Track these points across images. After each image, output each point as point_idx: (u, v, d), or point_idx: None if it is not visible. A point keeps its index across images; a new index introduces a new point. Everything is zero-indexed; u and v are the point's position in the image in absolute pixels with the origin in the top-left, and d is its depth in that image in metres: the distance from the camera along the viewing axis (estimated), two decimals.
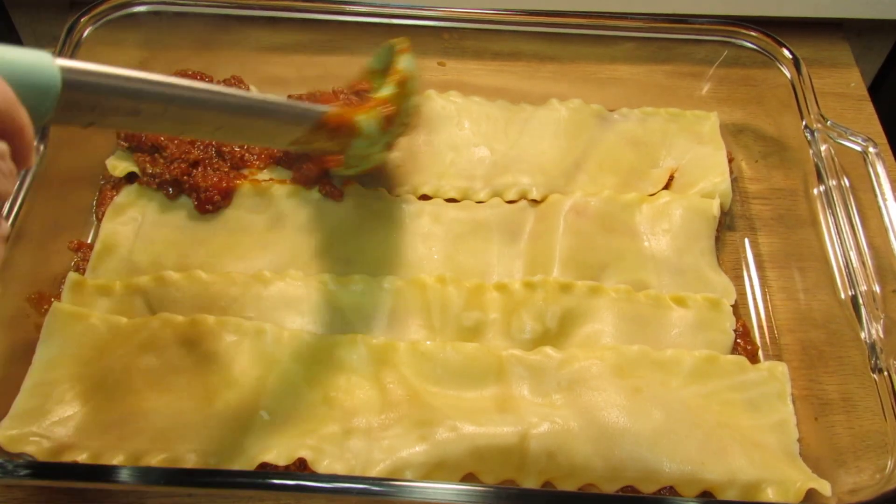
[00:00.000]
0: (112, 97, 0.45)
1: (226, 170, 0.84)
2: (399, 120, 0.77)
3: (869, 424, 0.66)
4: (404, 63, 0.77)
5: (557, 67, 0.93)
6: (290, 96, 0.90)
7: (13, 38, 1.07)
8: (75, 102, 0.42)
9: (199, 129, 0.58)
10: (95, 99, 0.44)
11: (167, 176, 0.82)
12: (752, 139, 0.92)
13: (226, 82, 0.91)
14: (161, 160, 0.83)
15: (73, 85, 0.41)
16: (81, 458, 0.64)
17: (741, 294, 0.81)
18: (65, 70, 0.40)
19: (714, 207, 0.83)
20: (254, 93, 0.61)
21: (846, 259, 0.72)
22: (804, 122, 0.82)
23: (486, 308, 0.75)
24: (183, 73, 0.90)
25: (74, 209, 0.83)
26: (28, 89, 0.38)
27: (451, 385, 0.70)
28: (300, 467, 0.64)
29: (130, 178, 0.85)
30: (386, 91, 0.74)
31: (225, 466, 0.64)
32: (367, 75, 0.84)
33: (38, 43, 1.08)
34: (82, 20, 0.84)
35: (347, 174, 0.82)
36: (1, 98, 0.36)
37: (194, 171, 0.82)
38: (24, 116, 0.37)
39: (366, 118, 0.72)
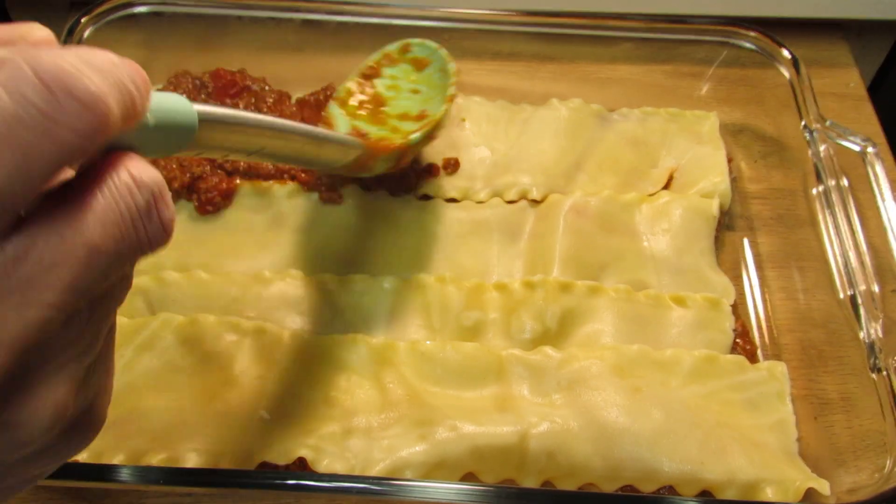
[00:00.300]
0: (239, 141, 0.48)
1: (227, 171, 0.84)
2: (421, 144, 0.77)
3: (868, 424, 0.66)
4: (453, 89, 0.78)
5: (557, 67, 0.93)
6: (298, 99, 0.90)
7: None
8: (205, 144, 0.43)
9: (289, 160, 0.65)
10: (224, 141, 0.46)
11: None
12: (752, 139, 0.92)
13: (234, 76, 0.91)
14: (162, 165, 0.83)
15: (207, 129, 0.42)
16: (81, 457, 0.64)
17: (740, 294, 0.81)
18: (201, 115, 0.41)
19: (713, 207, 0.83)
20: (325, 131, 0.65)
21: (845, 259, 0.72)
22: (803, 122, 0.82)
23: (485, 308, 0.75)
24: (217, 74, 0.91)
25: None
26: (165, 132, 0.38)
27: (450, 385, 0.70)
28: (300, 467, 0.64)
29: None
30: (416, 139, 0.74)
31: (225, 466, 0.64)
32: (383, 58, 0.84)
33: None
34: (83, 20, 0.84)
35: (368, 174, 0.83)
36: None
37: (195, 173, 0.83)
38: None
39: (384, 158, 0.72)
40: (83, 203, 0.28)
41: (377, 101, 0.82)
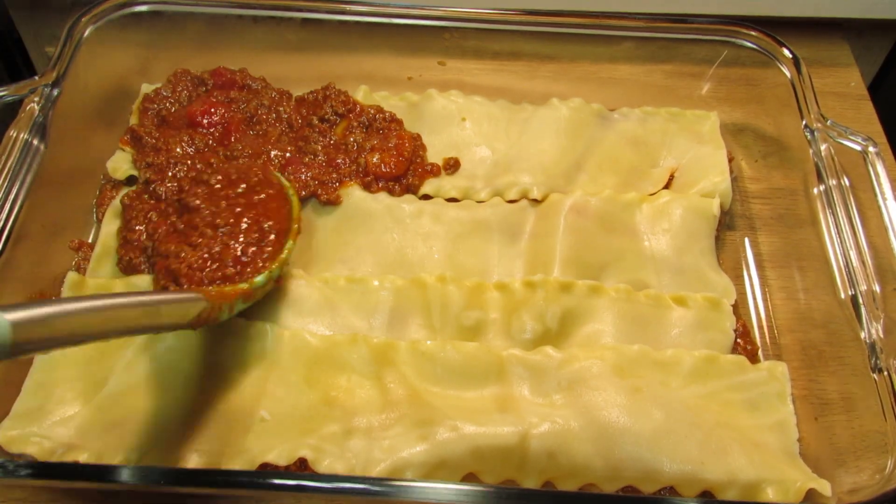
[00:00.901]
0: (68, 334, 0.49)
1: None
2: (253, 301, 0.72)
3: (869, 424, 0.66)
4: (289, 254, 0.73)
5: (557, 67, 0.93)
6: (297, 98, 0.90)
7: (14, 38, 1.07)
8: (27, 349, 0.44)
9: (132, 334, 0.61)
10: (48, 340, 0.47)
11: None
12: (752, 139, 0.92)
13: (234, 75, 0.91)
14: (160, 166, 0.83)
15: (23, 332, 0.43)
16: (82, 458, 0.64)
17: (741, 294, 0.81)
18: (13, 322, 0.42)
19: (714, 207, 0.83)
20: (158, 295, 0.63)
21: (846, 259, 0.72)
22: (804, 122, 0.82)
23: (486, 307, 0.75)
24: (217, 72, 0.91)
25: (75, 209, 0.83)
26: None
27: (451, 385, 0.70)
28: (301, 467, 0.64)
29: (130, 180, 0.85)
30: (260, 282, 0.69)
31: (226, 466, 0.64)
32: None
33: (39, 42, 1.08)
34: (83, 20, 0.84)
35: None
36: None
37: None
38: None
39: (227, 308, 0.67)
40: None
41: None
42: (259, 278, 0.69)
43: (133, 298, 0.57)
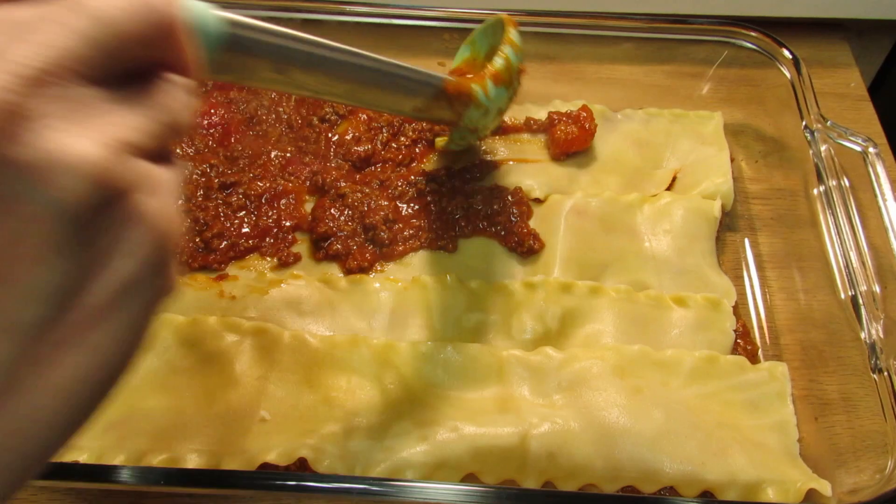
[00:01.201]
0: (265, 56, 0.47)
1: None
2: (510, 90, 0.77)
3: (869, 424, 0.66)
4: (514, 34, 0.77)
5: (557, 67, 0.93)
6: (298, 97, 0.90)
7: None
8: (228, 59, 0.42)
9: (335, 93, 0.60)
10: (247, 58, 0.45)
11: None
12: (753, 139, 0.92)
13: None
14: None
15: (231, 39, 0.41)
16: (82, 458, 0.64)
17: (741, 294, 0.81)
18: (224, 22, 0.40)
19: (715, 208, 0.83)
20: (384, 58, 0.61)
21: (846, 259, 0.72)
22: (804, 122, 0.82)
23: (487, 308, 0.75)
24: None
25: None
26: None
27: (451, 385, 0.70)
28: (301, 467, 0.64)
29: None
30: (499, 63, 0.75)
31: (225, 466, 0.64)
32: (467, 62, 0.84)
33: None
34: None
35: (458, 148, 0.84)
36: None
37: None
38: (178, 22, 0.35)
39: (480, 87, 0.73)
40: None
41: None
42: (497, 59, 0.74)
43: (367, 54, 0.57)
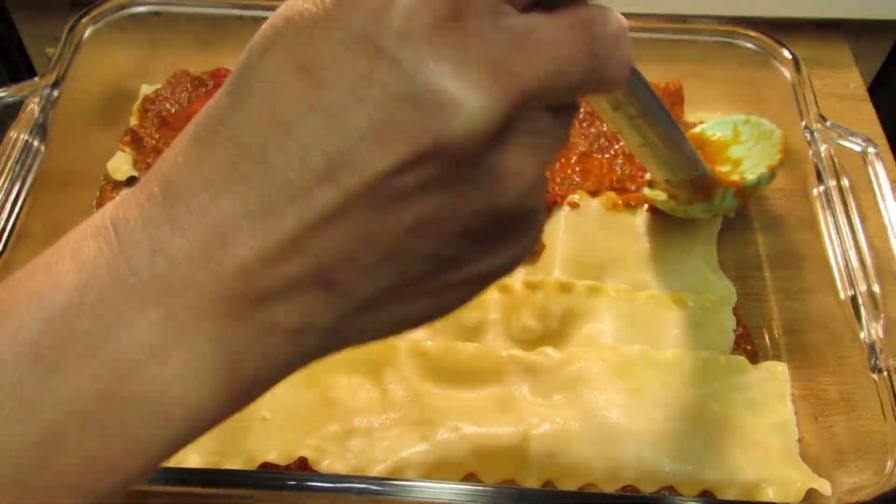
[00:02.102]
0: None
1: None
2: (740, 204, 0.78)
3: (869, 424, 0.66)
4: (777, 159, 0.77)
5: None
6: None
7: (14, 39, 1.07)
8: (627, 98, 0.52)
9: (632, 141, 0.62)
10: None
11: None
12: None
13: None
14: None
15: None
16: None
17: (741, 294, 0.81)
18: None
19: None
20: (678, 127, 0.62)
21: (846, 259, 0.72)
22: (804, 123, 0.82)
23: (486, 308, 0.75)
24: (217, 73, 0.91)
25: (75, 210, 0.83)
26: None
27: (451, 385, 0.70)
28: (301, 467, 0.64)
29: (131, 181, 0.85)
30: (751, 179, 0.75)
31: (226, 466, 0.64)
32: (707, 137, 0.83)
33: (39, 43, 1.08)
34: (83, 20, 0.84)
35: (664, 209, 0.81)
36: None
37: None
38: None
39: (722, 192, 0.73)
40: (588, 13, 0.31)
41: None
42: (751, 177, 0.74)
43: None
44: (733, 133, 0.83)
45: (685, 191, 0.72)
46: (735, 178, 0.75)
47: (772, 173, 0.76)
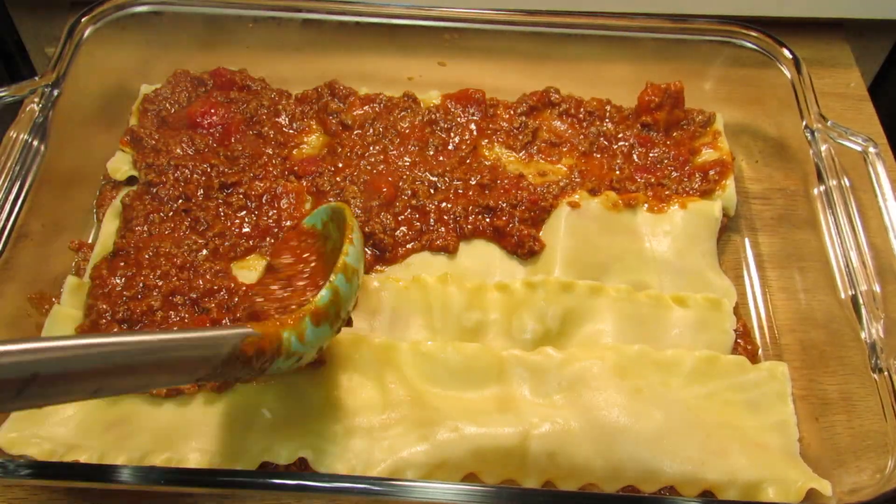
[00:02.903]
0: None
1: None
2: (337, 322, 0.63)
3: (869, 424, 0.66)
4: (351, 258, 0.64)
5: (557, 67, 0.93)
6: (298, 96, 0.90)
7: (14, 38, 1.07)
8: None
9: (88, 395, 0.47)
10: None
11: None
12: (752, 139, 0.92)
13: (233, 76, 0.91)
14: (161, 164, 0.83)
15: None
16: (82, 458, 0.64)
17: (742, 294, 0.81)
18: None
19: (716, 210, 0.83)
20: (147, 338, 0.49)
21: (846, 259, 0.72)
22: (804, 122, 0.82)
23: (487, 308, 0.75)
24: (217, 73, 0.90)
25: (75, 209, 0.83)
26: None
27: (452, 385, 0.70)
28: (301, 467, 0.64)
29: (130, 181, 0.85)
30: (324, 297, 0.61)
31: (226, 466, 0.64)
32: (302, 233, 0.72)
33: (39, 42, 1.08)
34: (83, 20, 0.84)
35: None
36: None
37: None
38: None
39: (294, 333, 0.58)
40: None
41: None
42: (322, 293, 0.61)
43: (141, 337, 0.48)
44: (319, 229, 0.70)
45: (235, 372, 0.55)
46: (305, 307, 0.60)
47: (344, 274, 0.62)
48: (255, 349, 0.54)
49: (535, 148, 0.88)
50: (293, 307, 0.61)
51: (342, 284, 0.62)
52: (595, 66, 0.93)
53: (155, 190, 0.81)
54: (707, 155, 0.88)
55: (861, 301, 0.69)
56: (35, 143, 0.75)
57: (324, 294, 0.61)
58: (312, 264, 0.67)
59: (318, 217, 0.71)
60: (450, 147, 0.87)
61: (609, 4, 0.95)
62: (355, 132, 0.88)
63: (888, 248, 0.72)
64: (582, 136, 0.89)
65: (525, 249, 0.79)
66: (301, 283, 0.65)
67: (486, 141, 0.88)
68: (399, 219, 0.81)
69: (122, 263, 0.75)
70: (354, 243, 0.64)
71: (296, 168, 0.85)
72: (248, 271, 0.77)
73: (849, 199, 0.75)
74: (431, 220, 0.81)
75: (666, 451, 0.65)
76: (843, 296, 0.71)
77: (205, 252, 0.77)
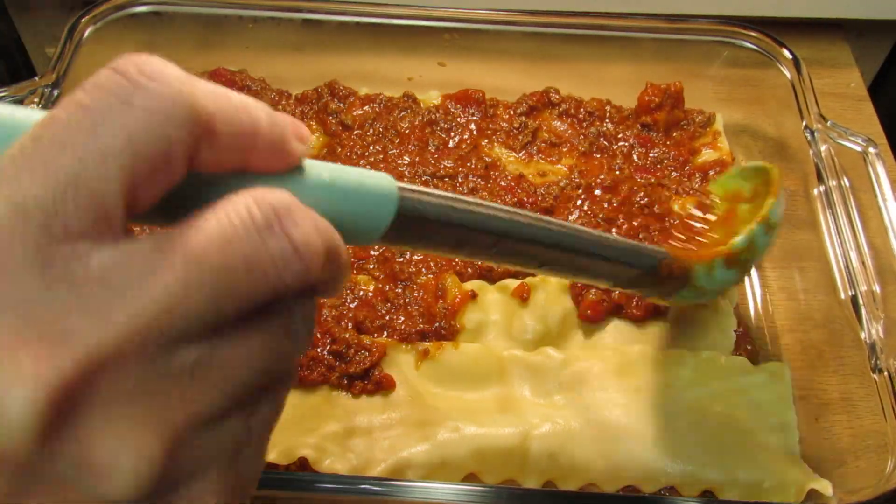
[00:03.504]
0: (444, 228, 0.40)
1: None
2: (743, 270, 0.66)
3: (869, 424, 0.66)
4: (775, 212, 0.66)
5: (557, 67, 0.93)
6: (298, 96, 0.90)
7: (13, 38, 1.07)
8: (402, 231, 0.37)
9: (527, 263, 0.50)
10: (425, 229, 0.39)
11: None
12: (753, 139, 0.92)
13: (233, 76, 0.91)
14: None
15: (407, 212, 0.36)
16: None
17: (742, 294, 0.81)
18: (402, 195, 0.36)
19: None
20: (588, 230, 0.51)
21: (846, 259, 0.72)
22: (804, 123, 0.82)
23: (487, 308, 0.75)
24: (217, 73, 0.90)
25: None
26: (360, 217, 0.34)
27: (452, 385, 0.70)
28: (301, 467, 0.64)
29: None
30: (740, 242, 0.63)
31: None
32: (731, 194, 0.73)
33: (39, 43, 1.08)
34: (83, 20, 0.84)
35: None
36: (326, 245, 0.29)
37: None
38: (344, 261, 0.31)
39: (704, 270, 0.61)
40: (193, 222, 0.26)
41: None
42: (740, 237, 0.63)
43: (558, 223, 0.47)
44: (735, 190, 0.72)
45: (645, 288, 0.60)
46: (721, 247, 0.63)
47: (765, 225, 0.65)
48: (668, 271, 0.57)
49: (535, 148, 0.88)
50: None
51: (760, 235, 0.64)
52: (595, 67, 0.93)
53: None
54: (707, 155, 0.88)
55: (861, 301, 0.69)
56: None
57: (741, 239, 0.63)
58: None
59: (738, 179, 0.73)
60: (450, 145, 0.87)
61: (609, 4, 0.95)
62: (355, 132, 0.88)
63: (888, 248, 0.72)
64: (582, 137, 0.89)
65: None
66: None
67: (486, 141, 0.88)
68: None
69: None
70: (780, 199, 0.66)
71: None
72: None
73: (849, 199, 0.75)
74: None
75: (666, 452, 0.65)
76: (842, 296, 0.71)
77: None
